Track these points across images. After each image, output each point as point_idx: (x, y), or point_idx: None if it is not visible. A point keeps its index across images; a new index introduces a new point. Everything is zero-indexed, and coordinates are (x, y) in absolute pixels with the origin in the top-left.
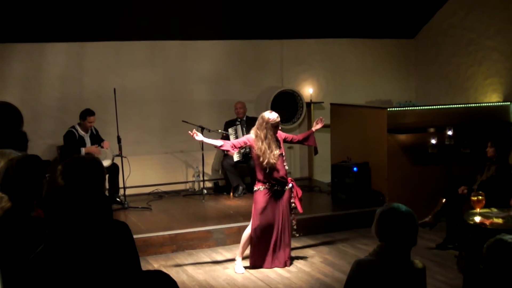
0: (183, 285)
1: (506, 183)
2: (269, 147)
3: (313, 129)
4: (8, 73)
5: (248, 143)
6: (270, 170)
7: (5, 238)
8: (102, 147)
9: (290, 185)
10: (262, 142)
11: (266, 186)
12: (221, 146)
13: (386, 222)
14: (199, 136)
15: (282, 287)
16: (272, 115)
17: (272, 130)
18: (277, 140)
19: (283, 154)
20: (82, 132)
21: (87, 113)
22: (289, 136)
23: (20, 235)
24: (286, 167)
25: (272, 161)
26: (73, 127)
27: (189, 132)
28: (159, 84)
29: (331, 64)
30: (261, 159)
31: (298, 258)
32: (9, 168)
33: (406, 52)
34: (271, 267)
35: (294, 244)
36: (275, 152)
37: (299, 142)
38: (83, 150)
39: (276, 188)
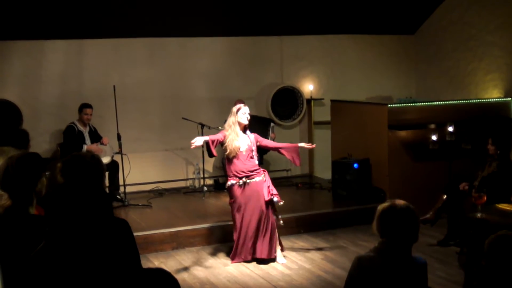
0: (184, 282)
1: (507, 179)
2: (236, 134)
3: (300, 144)
4: (8, 71)
5: (222, 139)
6: (235, 163)
7: (5, 236)
8: (102, 143)
9: (262, 175)
10: (229, 133)
11: (236, 180)
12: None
13: (387, 219)
14: (198, 141)
15: (283, 284)
16: (237, 106)
17: (239, 122)
18: (249, 139)
19: (253, 151)
20: (81, 128)
21: (83, 106)
22: (263, 140)
23: (20, 232)
24: (256, 162)
25: (233, 152)
26: (72, 122)
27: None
28: (158, 81)
29: (331, 61)
30: (226, 149)
31: (299, 255)
32: (9, 166)
33: (406, 48)
34: (257, 257)
35: (295, 241)
36: (238, 145)
37: (274, 149)
38: (85, 147)
39: (245, 181)
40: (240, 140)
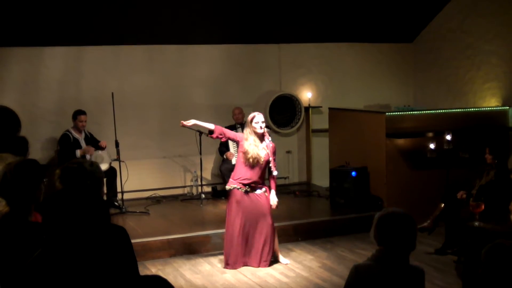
0: None
1: (505, 188)
2: (255, 144)
3: (271, 194)
4: (6, 77)
5: (237, 139)
6: (246, 170)
7: (2, 243)
8: (100, 147)
9: (264, 189)
10: (248, 139)
11: (240, 186)
12: (213, 129)
13: (384, 227)
14: (190, 122)
15: None
16: (252, 114)
17: (254, 132)
18: (267, 148)
19: (269, 162)
20: (76, 135)
21: (77, 113)
22: (272, 160)
23: (18, 239)
24: (275, 173)
25: (255, 157)
26: (67, 130)
27: (182, 122)
28: (157, 88)
29: (329, 69)
30: (246, 155)
31: (296, 263)
32: (7, 172)
33: (404, 57)
34: (245, 265)
35: (292, 248)
36: (259, 151)
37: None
38: (78, 152)
39: (248, 190)
40: (260, 149)
